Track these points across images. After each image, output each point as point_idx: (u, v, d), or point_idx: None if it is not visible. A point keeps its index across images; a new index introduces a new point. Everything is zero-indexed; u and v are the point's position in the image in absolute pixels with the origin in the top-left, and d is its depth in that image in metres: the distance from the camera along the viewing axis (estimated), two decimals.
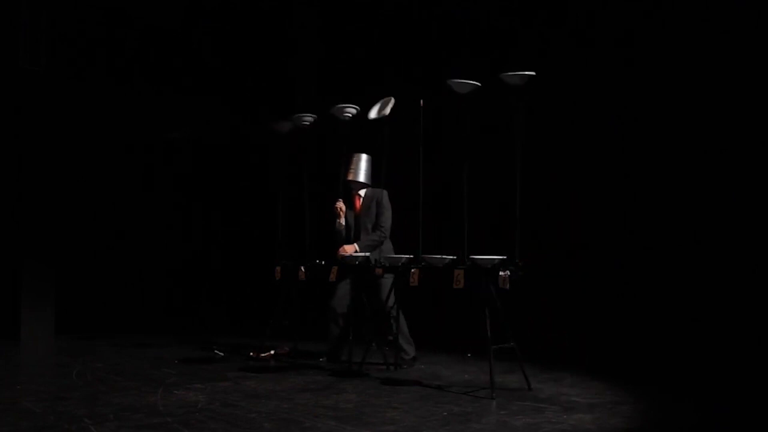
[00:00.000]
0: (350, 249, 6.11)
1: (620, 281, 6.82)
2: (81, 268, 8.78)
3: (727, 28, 6.38)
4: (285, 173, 7.02)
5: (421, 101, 5.49)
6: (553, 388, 5.17)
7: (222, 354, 6.71)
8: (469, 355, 6.54)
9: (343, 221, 6.24)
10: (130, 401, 4.68)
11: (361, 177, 6.25)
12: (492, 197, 6.99)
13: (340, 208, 6.21)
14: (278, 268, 6.39)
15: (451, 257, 5.38)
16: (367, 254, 5.86)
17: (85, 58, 8.88)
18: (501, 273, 4.88)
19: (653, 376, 5.71)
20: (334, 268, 5.91)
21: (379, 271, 5.76)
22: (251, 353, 6.56)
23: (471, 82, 5.18)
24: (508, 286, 4.85)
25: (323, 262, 6.11)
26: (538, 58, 5.46)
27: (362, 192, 6.31)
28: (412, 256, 5.53)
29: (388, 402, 4.72)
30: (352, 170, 6.25)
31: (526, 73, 4.93)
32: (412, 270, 5.37)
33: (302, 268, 6.19)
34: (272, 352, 6.64)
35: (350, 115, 6.06)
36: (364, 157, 6.27)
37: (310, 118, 6.37)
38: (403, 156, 6.19)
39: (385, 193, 6.17)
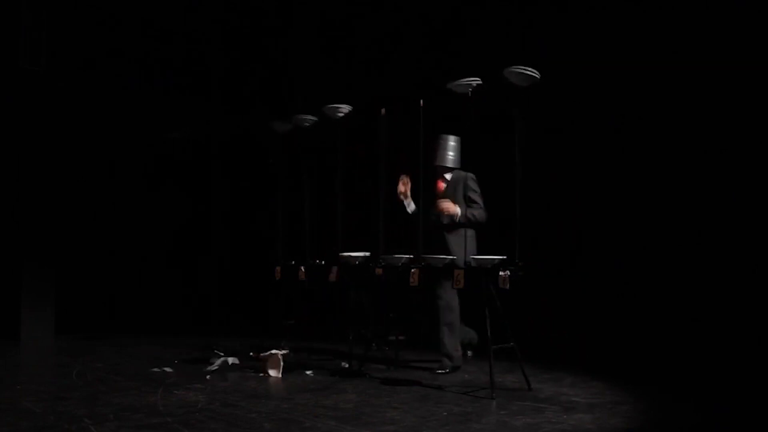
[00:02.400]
0: (451, 206, 5.74)
1: (620, 281, 6.81)
2: (81, 268, 8.78)
3: (728, 27, 6.38)
4: (285, 173, 7.02)
5: (421, 101, 5.48)
6: (553, 388, 5.17)
7: (222, 354, 6.70)
8: (469, 354, 6.54)
9: (411, 204, 5.92)
10: (130, 401, 4.68)
11: (447, 161, 5.91)
12: (492, 197, 6.99)
13: (402, 191, 5.87)
14: (278, 268, 6.39)
15: (451, 257, 5.38)
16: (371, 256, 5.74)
17: (85, 58, 8.88)
18: (501, 273, 4.88)
19: (653, 376, 5.71)
20: (335, 268, 5.90)
21: (378, 271, 5.74)
22: (251, 353, 6.56)
23: (472, 81, 5.15)
24: (508, 286, 4.85)
25: (323, 262, 6.10)
26: (538, 57, 5.47)
27: (448, 176, 5.98)
28: (412, 256, 5.53)
29: (388, 402, 4.72)
30: (438, 154, 5.91)
31: (529, 71, 4.91)
32: (412, 270, 5.37)
33: (302, 268, 6.19)
34: (272, 352, 6.64)
35: (342, 114, 6.04)
36: (451, 139, 5.93)
37: (310, 119, 6.36)
38: (404, 156, 6.18)
39: (470, 176, 5.87)
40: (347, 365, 5.89)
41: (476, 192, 5.81)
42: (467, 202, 5.75)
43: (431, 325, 5.89)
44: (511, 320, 5.14)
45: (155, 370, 5.86)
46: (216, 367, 5.83)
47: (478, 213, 5.76)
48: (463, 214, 5.71)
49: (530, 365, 5.35)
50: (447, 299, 5.74)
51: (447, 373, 5.73)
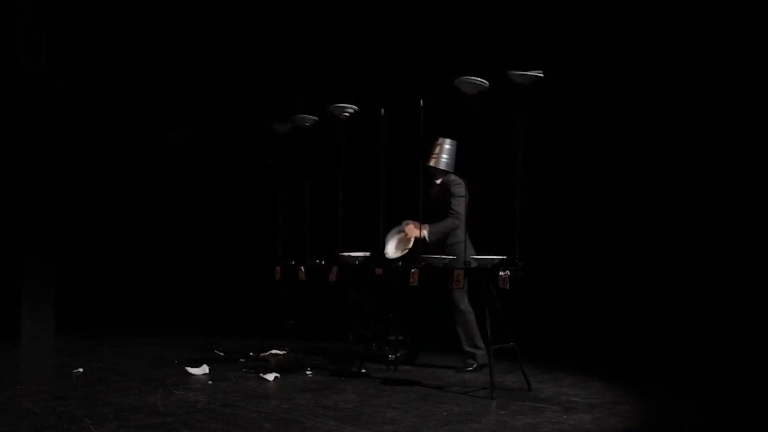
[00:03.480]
0: (413, 231, 5.76)
1: (620, 281, 6.81)
2: (81, 268, 8.78)
3: (728, 27, 6.39)
4: (285, 173, 7.02)
5: (421, 101, 5.48)
6: (553, 388, 5.17)
7: (222, 354, 6.71)
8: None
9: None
10: (130, 401, 4.68)
11: (440, 164, 5.90)
12: (492, 197, 7.00)
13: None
14: (278, 268, 6.39)
15: (451, 257, 5.38)
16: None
17: (85, 58, 8.88)
18: (501, 273, 4.88)
19: (653, 376, 5.71)
20: (335, 268, 5.90)
21: (378, 271, 5.73)
22: (251, 353, 6.56)
23: (479, 81, 5.12)
24: (508, 286, 4.85)
25: (323, 262, 6.10)
26: (538, 57, 5.48)
27: (438, 180, 5.99)
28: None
29: (388, 402, 4.72)
30: (434, 156, 5.91)
31: (535, 73, 4.91)
32: (412, 270, 5.37)
33: (302, 268, 6.19)
34: (272, 351, 6.65)
35: (348, 114, 6.03)
36: (447, 142, 5.92)
37: (311, 119, 6.36)
38: (404, 156, 6.17)
39: (455, 180, 5.84)
40: (353, 368, 5.88)
41: (457, 196, 5.77)
42: (446, 209, 5.77)
43: (451, 328, 5.91)
44: (511, 320, 5.14)
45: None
46: (199, 373, 5.71)
47: (448, 222, 5.73)
48: (432, 232, 5.72)
49: (530, 365, 5.35)
50: (456, 300, 5.77)
51: (473, 370, 5.77)
